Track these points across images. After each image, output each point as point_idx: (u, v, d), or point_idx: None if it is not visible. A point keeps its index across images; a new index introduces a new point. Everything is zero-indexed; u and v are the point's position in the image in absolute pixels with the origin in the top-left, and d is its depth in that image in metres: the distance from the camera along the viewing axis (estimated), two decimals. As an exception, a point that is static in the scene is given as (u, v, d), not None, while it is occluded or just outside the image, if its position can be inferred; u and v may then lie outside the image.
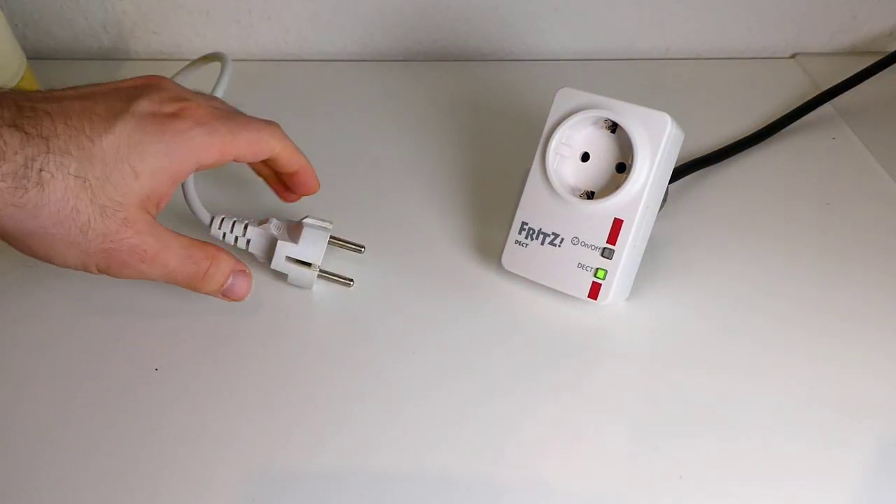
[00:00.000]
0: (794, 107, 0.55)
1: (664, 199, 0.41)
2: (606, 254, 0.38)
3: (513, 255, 0.41)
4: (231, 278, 0.38)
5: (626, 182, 0.37)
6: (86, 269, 0.34)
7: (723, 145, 0.52)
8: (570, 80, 0.41)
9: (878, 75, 0.55)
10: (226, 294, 0.38)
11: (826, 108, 0.56)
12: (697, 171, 0.50)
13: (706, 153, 0.51)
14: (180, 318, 0.40)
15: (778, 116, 0.54)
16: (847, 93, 0.55)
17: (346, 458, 0.34)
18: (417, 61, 0.64)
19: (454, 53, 0.65)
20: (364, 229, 0.45)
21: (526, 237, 0.40)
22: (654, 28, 0.64)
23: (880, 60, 0.56)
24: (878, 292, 0.42)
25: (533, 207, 0.40)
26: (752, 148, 0.53)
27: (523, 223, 0.41)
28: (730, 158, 0.51)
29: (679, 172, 0.47)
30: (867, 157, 0.52)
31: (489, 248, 0.44)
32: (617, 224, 0.38)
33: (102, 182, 0.32)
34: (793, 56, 0.65)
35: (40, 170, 0.30)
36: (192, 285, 0.36)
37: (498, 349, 0.39)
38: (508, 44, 0.65)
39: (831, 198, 0.49)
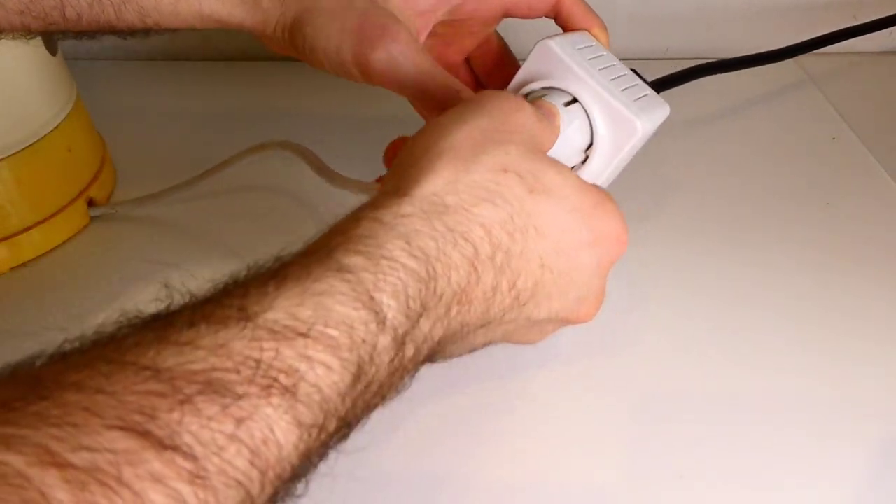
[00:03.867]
0: (796, 109, 0.55)
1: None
2: None
3: None
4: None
5: (579, 170, 0.34)
6: (339, 58, 0.34)
7: (724, 145, 0.52)
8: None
9: (878, 76, 0.55)
10: None
11: (826, 108, 0.56)
12: (698, 168, 0.50)
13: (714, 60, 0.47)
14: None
15: (777, 117, 0.54)
16: (847, 92, 0.55)
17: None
18: (417, 61, 0.64)
19: (454, 53, 0.65)
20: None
21: None
22: (655, 28, 0.64)
23: (852, 27, 0.55)
24: (878, 292, 0.42)
25: None
26: (753, 148, 0.53)
27: None
28: (730, 159, 0.51)
29: (682, 77, 0.43)
30: (867, 157, 0.52)
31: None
32: None
33: None
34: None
35: None
36: (446, 100, 0.34)
37: (500, 350, 0.38)
38: (508, 44, 0.64)
39: (831, 198, 0.49)
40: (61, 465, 0.16)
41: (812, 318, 0.40)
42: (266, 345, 0.20)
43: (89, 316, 0.40)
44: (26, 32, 0.33)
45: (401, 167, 0.28)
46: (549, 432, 0.35)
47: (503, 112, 0.29)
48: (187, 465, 0.17)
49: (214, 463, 0.18)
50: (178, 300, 0.22)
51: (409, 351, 0.24)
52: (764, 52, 0.51)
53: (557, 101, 0.33)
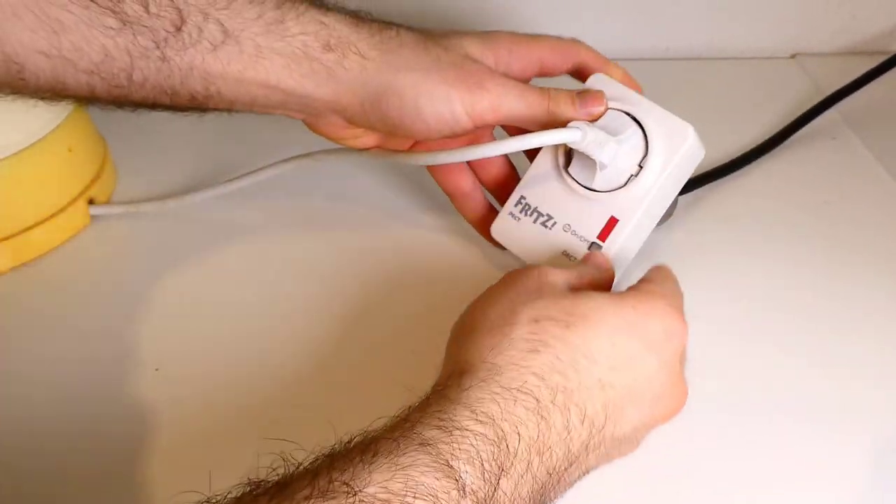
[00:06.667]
0: (796, 109, 0.54)
1: (670, 212, 0.40)
2: (594, 249, 0.37)
3: (504, 225, 0.41)
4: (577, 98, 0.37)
5: (632, 182, 0.37)
6: (449, 109, 0.35)
7: (724, 146, 0.52)
8: (569, 81, 0.40)
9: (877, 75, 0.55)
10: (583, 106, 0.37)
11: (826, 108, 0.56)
12: (699, 169, 0.49)
13: (716, 165, 0.50)
14: (180, 319, 0.40)
15: (778, 117, 0.54)
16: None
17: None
18: (418, 61, 0.64)
19: (454, 53, 0.65)
20: (371, 227, 0.45)
21: (521, 211, 0.40)
22: (654, 28, 0.64)
23: (884, 62, 0.56)
24: (877, 291, 0.42)
25: (535, 184, 0.40)
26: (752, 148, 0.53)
27: (521, 197, 0.40)
28: (729, 159, 0.51)
29: (690, 184, 0.44)
30: (867, 157, 0.52)
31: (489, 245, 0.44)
32: (611, 222, 0.37)
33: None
34: (793, 56, 0.65)
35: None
36: (544, 108, 0.36)
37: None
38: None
39: (831, 197, 0.49)
40: None
41: (811, 316, 0.40)
42: None
43: (89, 316, 0.40)
44: (90, 95, 0.33)
45: (452, 349, 0.32)
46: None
47: (529, 279, 0.32)
48: None
49: None
50: (291, 469, 0.25)
51: None
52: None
53: (616, 119, 0.37)
